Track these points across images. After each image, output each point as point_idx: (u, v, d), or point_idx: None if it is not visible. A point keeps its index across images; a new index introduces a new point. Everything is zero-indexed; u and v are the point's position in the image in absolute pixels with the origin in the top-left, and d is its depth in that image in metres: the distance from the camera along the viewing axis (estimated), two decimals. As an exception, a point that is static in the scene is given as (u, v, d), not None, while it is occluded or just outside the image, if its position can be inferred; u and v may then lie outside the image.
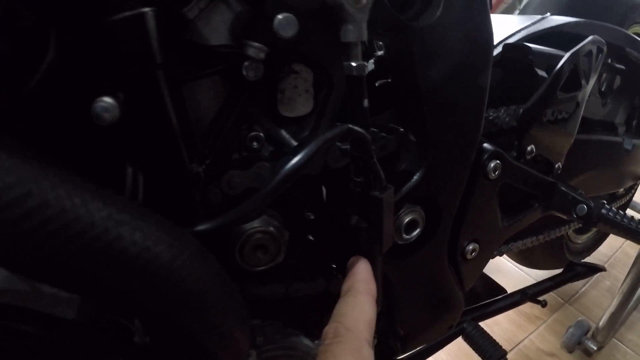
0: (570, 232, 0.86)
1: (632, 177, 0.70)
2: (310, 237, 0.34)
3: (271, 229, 0.29)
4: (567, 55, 0.39)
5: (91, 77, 0.20)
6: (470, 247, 0.38)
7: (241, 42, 0.23)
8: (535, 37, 0.47)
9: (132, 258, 0.16)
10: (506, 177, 0.37)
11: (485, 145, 0.35)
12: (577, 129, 0.44)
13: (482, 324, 0.98)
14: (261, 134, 0.28)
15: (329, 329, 0.21)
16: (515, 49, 0.42)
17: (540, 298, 0.58)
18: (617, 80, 0.61)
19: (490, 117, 0.40)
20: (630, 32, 0.76)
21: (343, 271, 0.32)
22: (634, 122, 0.67)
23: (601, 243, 0.98)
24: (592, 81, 0.44)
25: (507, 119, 0.39)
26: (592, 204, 0.44)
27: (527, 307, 1.03)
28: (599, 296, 1.01)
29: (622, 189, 0.82)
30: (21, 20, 0.18)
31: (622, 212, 0.44)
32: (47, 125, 0.21)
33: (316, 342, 0.37)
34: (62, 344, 0.20)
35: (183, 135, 0.22)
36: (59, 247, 0.15)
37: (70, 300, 0.21)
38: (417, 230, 0.33)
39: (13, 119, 0.19)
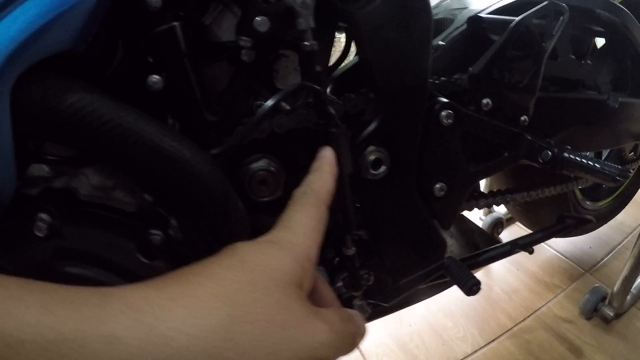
0: (579, 197, 0.88)
1: (632, 136, 0.72)
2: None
3: (271, 168, 0.39)
4: (514, 21, 0.46)
5: (145, 64, 0.31)
6: (438, 186, 0.46)
7: (237, 37, 0.34)
8: (507, 10, 0.53)
9: (177, 158, 0.27)
10: (463, 126, 0.45)
11: (440, 99, 0.43)
12: (538, 85, 0.50)
13: (499, 289, 1.01)
14: (263, 103, 0.39)
15: (298, 191, 0.27)
16: (472, 21, 0.49)
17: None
18: (600, 42, 0.65)
19: (452, 80, 0.47)
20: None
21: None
22: (629, 82, 0.70)
23: (618, 212, 0.97)
24: (551, 42, 0.50)
25: (463, 81, 0.47)
26: (556, 150, 0.49)
27: (547, 277, 1.05)
28: (621, 266, 1.00)
29: (630, 152, 0.83)
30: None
31: (586, 155, 0.49)
32: (120, 95, 0.32)
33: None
34: (126, 225, 0.32)
35: (202, 96, 0.34)
36: (136, 150, 0.26)
37: (131, 202, 0.33)
38: (383, 167, 0.42)
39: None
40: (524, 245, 0.62)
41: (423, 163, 0.44)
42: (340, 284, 0.50)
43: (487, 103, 0.47)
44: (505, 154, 0.51)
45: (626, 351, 0.80)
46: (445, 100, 0.43)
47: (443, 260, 0.51)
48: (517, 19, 0.47)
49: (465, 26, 0.52)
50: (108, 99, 0.26)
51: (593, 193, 0.95)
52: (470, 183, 0.50)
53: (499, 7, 0.53)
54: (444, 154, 0.45)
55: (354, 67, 0.51)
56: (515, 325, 0.93)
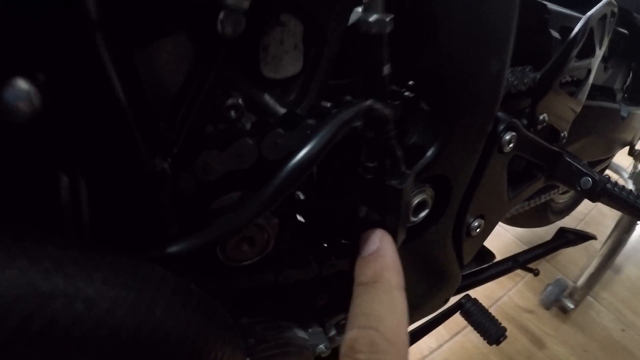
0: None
1: (621, 144, 0.70)
2: (300, 219, 0.31)
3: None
4: (583, 18, 0.35)
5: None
6: (476, 224, 0.36)
7: None
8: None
9: (85, 339, 0.12)
10: (519, 149, 0.35)
11: (500, 114, 0.32)
12: (585, 96, 0.42)
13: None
14: (240, 101, 0.21)
15: (362, 338, 0.16)
16: (531, 5, 0.38)
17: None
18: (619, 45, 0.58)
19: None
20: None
21: (335, 251, 0.29)
22: (630, 88, 0.66)
23: (580, 202, 1.01)
24: (605, 46, 0.41)
25: (519, 82, 0.36)
26: (597, 178, 0.42)
27: (507, 267, 1.07)
28: (576, 254, 1.07)
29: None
30: None
31: (626, 188, 0.43)
32: None
33: (310, 330, 0.35)
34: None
35: (139, 123, 0.16)
36: None
37: None
38: (425, 211, 0.30)
39: None
40: (525, 261, 0.58)
41: (469, 198, 0.34)
42: (333, 332, 0.40)
43: (544, 119, 0.37)
44: (539, 175, 0.43)
45: (584, 341, 0.85)
46: (507, 117, 0.32)
47: (460, 300, 0.43)
48: (584, 17, 0.36)
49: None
50: None
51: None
52: (505, 213, 0.41)
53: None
54: (494, 185, 0.35)
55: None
56: (479, 317, 0.94)
